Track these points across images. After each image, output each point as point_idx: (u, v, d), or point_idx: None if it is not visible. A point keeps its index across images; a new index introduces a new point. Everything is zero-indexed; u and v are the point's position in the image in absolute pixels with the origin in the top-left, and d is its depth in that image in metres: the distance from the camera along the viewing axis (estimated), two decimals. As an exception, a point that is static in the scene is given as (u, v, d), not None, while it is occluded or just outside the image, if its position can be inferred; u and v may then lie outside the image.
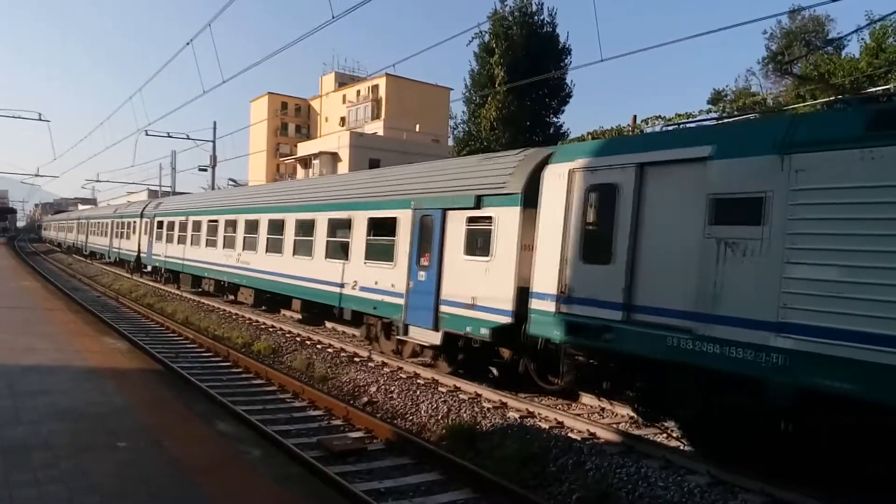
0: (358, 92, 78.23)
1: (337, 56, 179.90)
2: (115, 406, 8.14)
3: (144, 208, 33.58)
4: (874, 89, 22.47)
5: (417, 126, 64.25)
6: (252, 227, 20.46)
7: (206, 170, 44.24)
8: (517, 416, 9.85)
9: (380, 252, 13.95)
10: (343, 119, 79.22)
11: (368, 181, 15.69)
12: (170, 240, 28.40)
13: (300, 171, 63.34)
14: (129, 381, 9.67)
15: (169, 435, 7.09)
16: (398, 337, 13.38)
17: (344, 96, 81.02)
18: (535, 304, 9.83)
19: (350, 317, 15.36)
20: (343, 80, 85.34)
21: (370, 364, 13.56)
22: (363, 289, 14.27)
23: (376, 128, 66.14)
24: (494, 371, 12.49)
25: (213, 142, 43.68)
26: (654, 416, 9.26)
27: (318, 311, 17.82)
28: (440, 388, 11.46)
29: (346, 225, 15.27)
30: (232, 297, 23.18)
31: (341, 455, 8.37)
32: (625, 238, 8.54)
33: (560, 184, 9.60)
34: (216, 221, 23.41)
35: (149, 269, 31.97)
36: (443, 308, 11.87)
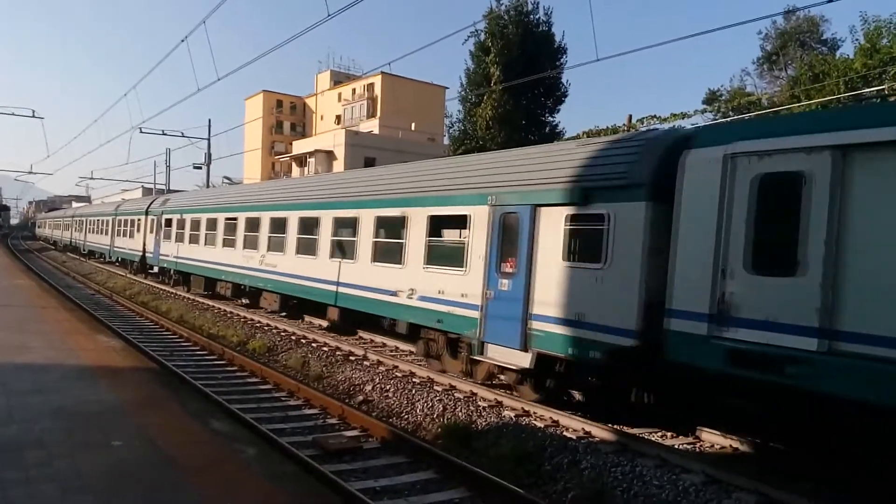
0: (353, 90, 78.14)
1: (332, 54, 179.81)
2: (109, 404, 8.11)
3: (150, 205, 31.27)
4: (868, 90, 22.57)
5: (413, 125, 64.17)
6: (279, 225, 18.31)
7: (200, 167, 44.06)
8: (512, 414, 9.85)
9: (445, 256, 12.06)
10: (338, 117, 79.12)
11: (428, 173, 13.60)
12: (180, 239, 26.10)
13: (295, 170, 63.22)
14: (122, 380, 9.62)
15: (163, 433, 7.06)
16: (472, 356, 11.17)
17: (339, 94, 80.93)
18: (675, 323, 8.01)
19: (406, 330, 13.20)
20: (338, 79, 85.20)
21: (366, 363, 13.54)
22: (423, 298, 12.26)
23: (372, 126, 66.04)
24: (577, 395, 10.96)
25: (208, 139, 43.50)
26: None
27: (355, 319, 15.90)
28: (436, 388, 11.45)
29: (399, 224, 13.26)
30: (247, 302, 21.77)
31: (336, 454, 8.35)
32: (819, 243, 6.75)
33: (711, 173, 7.78)
34: (234, 219, 21.16)
35: (155, 270, 30.02)
36: (534, 324, 9.82)
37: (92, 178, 63.56)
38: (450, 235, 12.44)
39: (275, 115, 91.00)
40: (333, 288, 15.29)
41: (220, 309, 21.11)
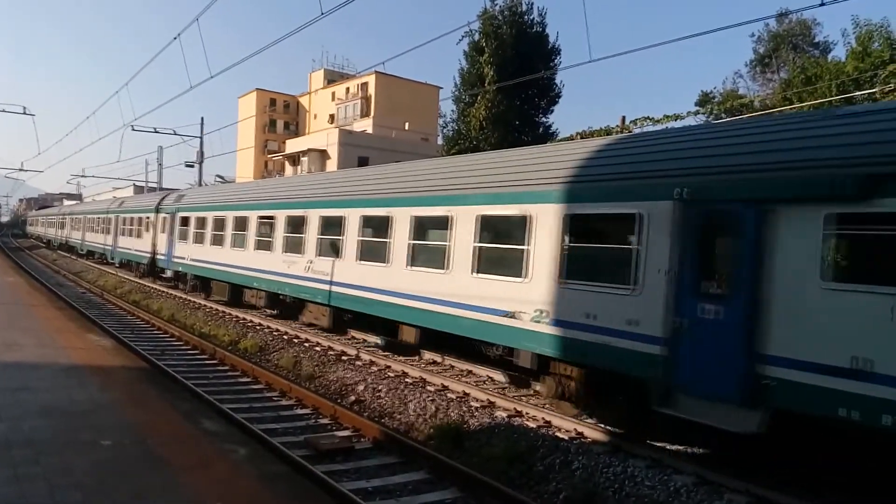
0: (347, 89, 78.01)
1: (326, 53, 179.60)
2: (99, 403, 8.05)
3: (161, 201, 28.21)
4: (860, 92, 22.73)
5: (406, 124, 64.14)
6: (333, 226, 15.44)
7: (193, 166, 43.89)
8: (505, 415, 9.85)
9: (597, 268, 9.19)
10: (332, 116, 78.98)
11: (563, 155, 10.50)
12: (199, 240, 22.89)
13: (288, 169, 63.04)
14: (113, 379, 9.57)
15: (153, 433, 7.02)
16: (657, 409, 8.06)
17: (333, 93, 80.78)
18: None
19: (532, 363, 10.18)
20: (332, 78, 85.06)
21: (358, 363, 13.51)
22: (560, 324, 9.35)
23: (365, 125, 65.96)
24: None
25: (201, 137, 43.35)
26: None
27: (438, 341, 13.34)
28: (428, 388, 11.44)
29: (517, 225, 10.36)
30: (275, 312, 19.26)
31: (328, 454, 8.33)
32: None
33: None
34: (271, 218, 18.32)
35: (168, 273, 26.87)
36: (770, 370, 7.05)
37: (83, 176, 63.33)
38: (604, 240, 9.70)
39: (268, 114, 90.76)
40: (411, 303, 12.50)
41: (211, 308, 21.02)
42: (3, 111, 36.60)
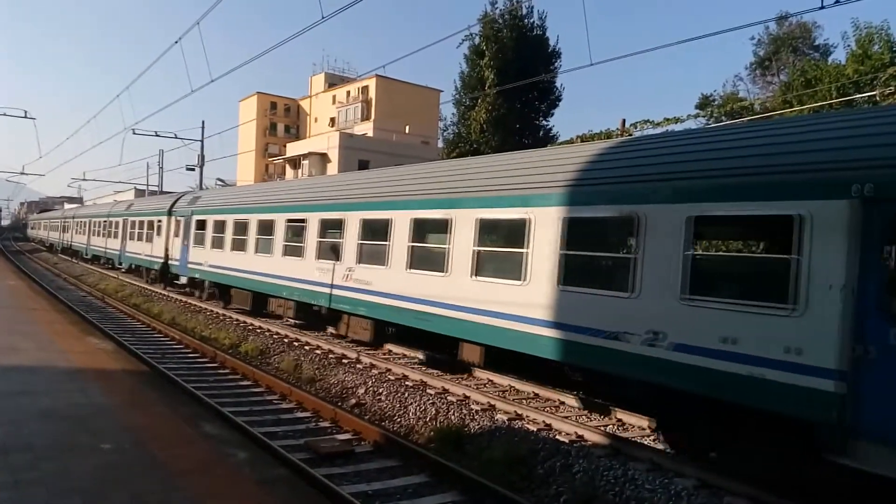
0: (348, 93, 78.13)
1: (327, 56, 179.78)
2: (99, 407, 8.04)
3: (174, 204, 26.81)
4: (860, 95, 22.72)
5: (407, 127, 64.30)
6: (376, 231, 13.61)
7: (193, 169, 43.96)
8: (505, 418, 9.83)
9: (739, 282, 8.03)
10: (333, 120, 79.11)
11: (657, 147, 8.99)
12: (218, 245, 21.25)
13: (289, 172, 63.09)
14: (113, 382, 9.55)
15: (153, 436, 7.01)
16: (830, 459, 6.57)
17: (334, 97, 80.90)
18: None
19: (639, 394, 8.95)
20: (333, 81, 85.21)
21: (358, 366, 13.49)
22: (682, 348, 7.74)
23: (366, 129, 66.13)
24: None
25: (202, 141, 43.44)
26: None
27: (516, 365, 11.66)
28: (428, 391, 11.42)
29: (616, 228, 9.09)
30: (301, 322, 17.73)
31: (328, 457, 8.32)
32: None
33: None
34: (302, 222, 16.52)
35: (182, 280, 24.96)
36: None
37: (84, 180, 63.30)
38: (744, 247, 8.81)
39: (269, 117, 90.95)
40: (475, 318, 10.76)
41: (212, 312, 21.01)
42: (5, 115, 36.69)
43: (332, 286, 14.91)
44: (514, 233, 10.24)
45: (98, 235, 39.84)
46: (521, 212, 10.17)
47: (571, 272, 9.30)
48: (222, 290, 21.54)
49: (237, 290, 20.19)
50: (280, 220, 17.77)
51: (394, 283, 12.92)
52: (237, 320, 19.15)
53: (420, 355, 14.21)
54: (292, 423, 10.09)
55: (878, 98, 21.96)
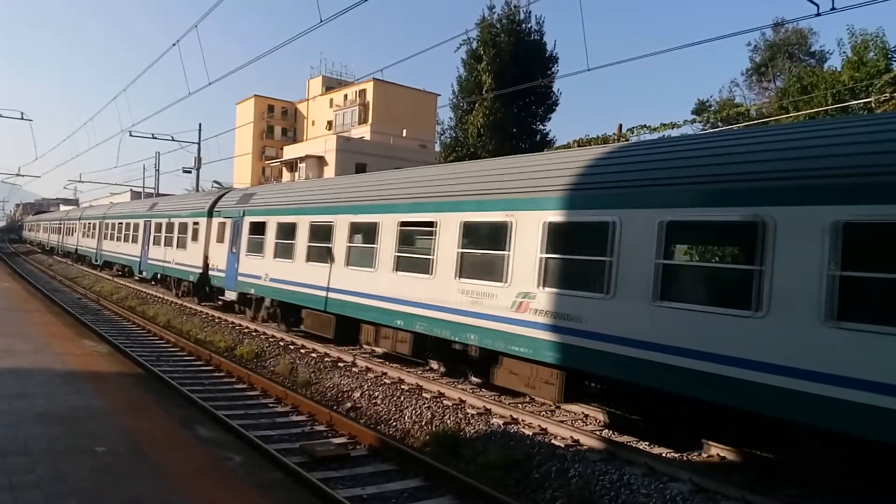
0: (345, 96, 78.21)
1: (325, 60, 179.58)
2: (95, 410, 8.03)
3: (216, 203, 22.38)
4: (855, 102, 22.85)
5: (404, 131, 64.34)
6: (580, 241, 9.58)
7: (190, 171, 43.93)
8: (501, 422, 9.83)
9: None
10: (330, 123, 79.16)
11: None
12: (284, 254, 17.02)
13: (286, 175, 63.08)
14: (108, 385, 9.54)
15: (149, 440, 7.01)
16: None
17: (331, 100, 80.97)
18: None
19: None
20: (330, 84, 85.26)
21: (354, 369, 13.49)
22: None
23: (363, 132, 66.15)
24: None
25: (199, 144, 43.40)
26: None
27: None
28: (424, 395, 11.42)
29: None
30: (413, 359, 13.59)
31: (324, 461, 8.31)
32: None
33: None
34: (430, 226, 12.08)
35: (229, 296, 20.42)
36: None
37: (81, 182, 63.33)
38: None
39: (266, 120, 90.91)
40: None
41: (207, 314, 20.97)
42: (1, 116, 36.61)
43: (490, 317, 10.54)
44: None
45: (111, 239, 35.18)
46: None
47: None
48: (287, 311, 17.38)
49: (313, 311, 15.81)
50: (388, 224, 13.22)
51: (616, 321, 8.60)
52: (233, 323, 19.12)
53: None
54: (288, 426, 10.08)
55: (873, 104, 22.08)
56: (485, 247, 11.02)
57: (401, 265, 12.76)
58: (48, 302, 21.99)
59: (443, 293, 11.56)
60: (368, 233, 13.96)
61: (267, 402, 11.51)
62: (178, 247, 24.75)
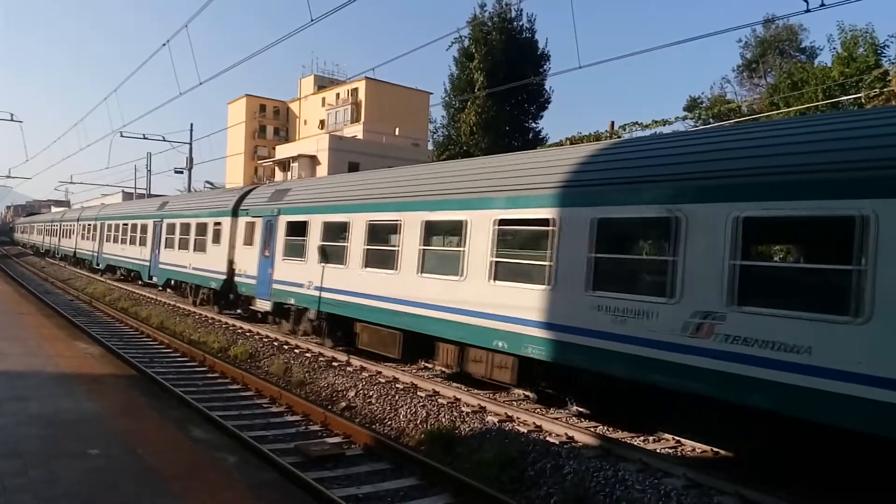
0: (337, 95, 78.09)
1: (316, 59, 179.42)
2: (87, 412, 7.99)
3: (241, 200, 20.08)
4: (846, 98, 22.96)
5: (397, 130, 64.28)
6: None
7: (181, 172, 43.76)
8: (496, 420, 9.84)
9: None
10: (322, 122, 79.01)
11: None
12: (334, 258, 14.72)
13: (279, 174, 62.92)
14: (101, 387, 9.49)
15: (142, 441, 6.97)
16: None
17: (323, 99, 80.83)
18: None
19: None
20: (322, 83, 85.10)
21: (349, 369, 13.47)
22: None
23: (356, 131, 66.08)
24: None
25: (190, 144, 43.25)
26: None
27: None
28: (419, 393, 11.42)
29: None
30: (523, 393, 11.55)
31: (319, 460, 8.30)
32: None
33: None
34: (544, 224, 9.78)
35: (262, 306, 18.14)
36: None
37: (71, 183, 63.02)
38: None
39: (258, 120, 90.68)
40: None
41: (201, 315, 20.90)
42: (-9, 118, 36.36)
43: (657, 346, 8.07)
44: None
45: (114, 241, 32.98)
46: None
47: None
48: (335, 324, 15.14)
49: (371, 326, 13.67)
50: (481, 222, 10.83)
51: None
52: (226, 324, 19.06)
53: None
54: (282, 426, 10.05)
55: (863, 100, 22.20)
56: (635, 251, 9.39)
57: (500, 273, 10.43)
58: (40, 304, 21.86)
59: (566, 308, 9.26)
60: (452, 233, 11.93)
61: (261, 402, 11.48)
62: (195, 250, 22.54)
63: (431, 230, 12.22)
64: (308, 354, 14.82)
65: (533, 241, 10.21)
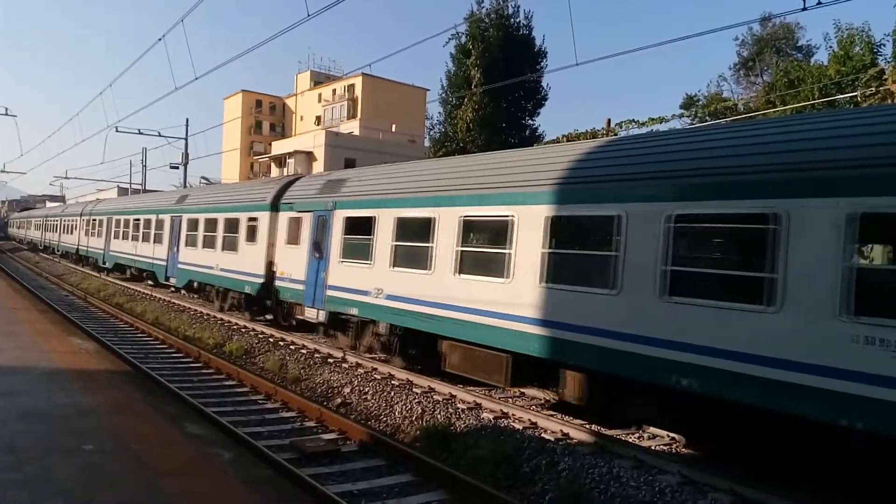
0: (333, 91, 77.91)
1: (312, 54, 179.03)
2: (82, 408, 7.96)
3: (282, 192, 17.74)
4: (842, 96, 23.02)
5: (393, 126, 64.19)
6: None
7: (177, 167, 43.62)
8: (491, 416, 9.86)
9: None
10: (318, 118, 78.83)
11: None
12: (413, 261, 12.25)
13: (275, 171, 62.78)
14: (96, 383, 9.46)
15: (137, 437, 6.96)
16: None
17: (319, 95, 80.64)
18: None
19: None
20: (318, 79, 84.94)
21: (344, 365, 13.46)
22: None
23: (352, 127, 65.89)
24: None
25: (186, 139, 43.09)
26: None
27: None
28: (415, 390, 11.42)
29: None
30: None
31: (314, 457, 8.30)
32: None
33: None
34: (761, 222, 7.11)
35: (311, 316, 15.46)
36: None
37: (66, 178, 62.68)
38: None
39: (254, 115, 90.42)
40: None
41: (196, 311, 20.86)
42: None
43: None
44: None
45: (125, 238, 30.24)
46: None
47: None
48: (412, 341, 12.83)
49: (465, 346, 11.09)
50: (645, 216, 8.26)
51: None
52: (221, 320, 19.02)
53: None
54: (277, 422, 10.05)
55: (859, 98, 22.26)
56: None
57: (675, 286, 7.84)
58: (35, 299, 21.79)
59: (794, 337, 6.70)
60: (594, 232, 9.41)
61: (256, 398, 11.47)
62: (224, 249, 20.05)
63: (560, 229, 9.61)
64: (303, 351, 14.81)
65: (696, 243, 8.66)
